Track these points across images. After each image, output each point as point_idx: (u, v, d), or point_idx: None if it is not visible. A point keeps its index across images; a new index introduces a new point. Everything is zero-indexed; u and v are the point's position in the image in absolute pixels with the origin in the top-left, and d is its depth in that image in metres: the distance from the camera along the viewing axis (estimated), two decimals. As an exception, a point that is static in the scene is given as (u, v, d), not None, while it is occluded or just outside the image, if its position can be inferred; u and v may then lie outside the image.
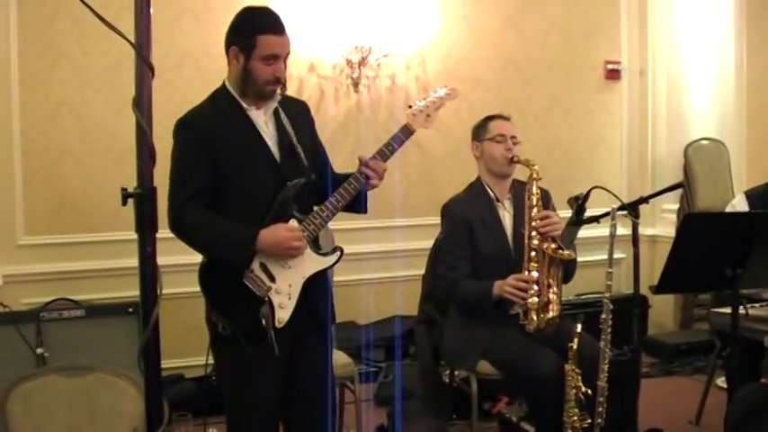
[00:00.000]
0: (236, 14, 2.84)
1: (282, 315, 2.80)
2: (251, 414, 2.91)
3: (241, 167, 2.82)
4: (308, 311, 2.88)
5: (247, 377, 2.87)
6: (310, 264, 2.85)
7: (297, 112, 2.99)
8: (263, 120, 2.87)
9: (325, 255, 2.88)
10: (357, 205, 2.96)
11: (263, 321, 2.75)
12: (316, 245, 2.88)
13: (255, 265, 2.80)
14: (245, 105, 2.85)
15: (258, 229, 2.76)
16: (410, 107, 3.05)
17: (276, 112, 2.90)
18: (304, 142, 2.91)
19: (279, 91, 2.93)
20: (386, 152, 2.92)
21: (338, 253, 2.89)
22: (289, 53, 2.84)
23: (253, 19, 2.81)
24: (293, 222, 2.81)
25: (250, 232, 2.76)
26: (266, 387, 2.88)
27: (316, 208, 2.88)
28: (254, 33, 2.75)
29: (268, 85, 2.80)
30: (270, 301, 2.79)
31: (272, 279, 2.81)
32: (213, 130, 2.81)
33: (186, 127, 2.82)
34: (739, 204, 4.12)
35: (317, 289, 2.90)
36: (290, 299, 2.82)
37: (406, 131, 2.99)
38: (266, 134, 2.87)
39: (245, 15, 2.83)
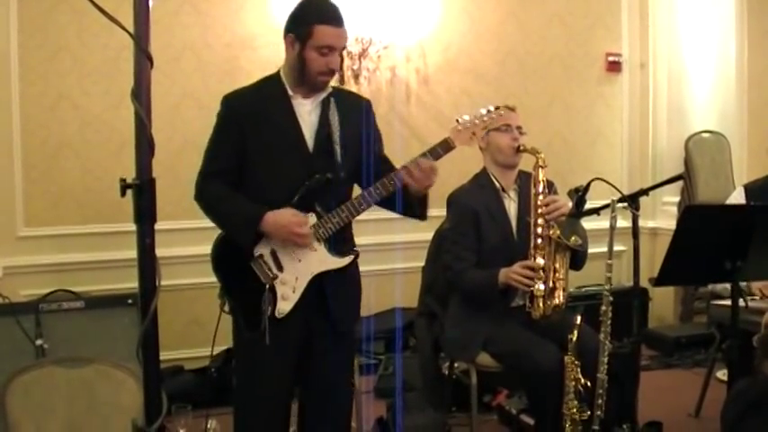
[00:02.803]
0: (298, 2, 2.83)
1: (284, 307, 2.80)
2: (255, 403, 2.92)
3: (270, 153, 2.82)
4: (323, 314, 2.87)
5: (254, 366, 2.90)
6: (321, 261, 2.83)
7: (353, 109, 2.92)
8: (306, 109, 2.86)
9: (338, 255, 2.85)
10: (410, 211, 2.92)
11: (263, 308, 2.76)
12: (331, 243, 2.84)
13: (266, 252, 2.82)
14: (290, 93, 2.85)
15: (266, 210, 2.76)
16: (457, 121, 2.90)
17: (326, 104, 2.87)
18: (348, 139, 2.86)
19: (336, 85, 2.94)
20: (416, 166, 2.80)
21: (351, 256, 2.87)
22: (345, 46, 2.84)
23: (311, 8, 2.79)
24: (312, 217, 2.79)
25: (258, 211, 2.77)
26: (270, 379, 2.88)
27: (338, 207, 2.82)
28: (310, 23, 2.74)
29: (321, 75, 2.79)
30: (274, 289, 2.80)
31: (280, 269, 2.81)
32: (249, 112, 2.83)
33: (225, 104, 2.90)
34: (738, 197, 4.12)
35: (334, 292, 2.87)
36: (294, 292, 2.81)
37: (446, 146, 2.86)
38: (305, 124, 2.85)
39: (305, 4, 2.81)
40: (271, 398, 2.90)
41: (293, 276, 2.81)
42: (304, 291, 2.82)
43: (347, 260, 2.86)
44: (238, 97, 2.90)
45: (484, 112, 2.93)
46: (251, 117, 2.83)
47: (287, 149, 2.83)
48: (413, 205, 2.90)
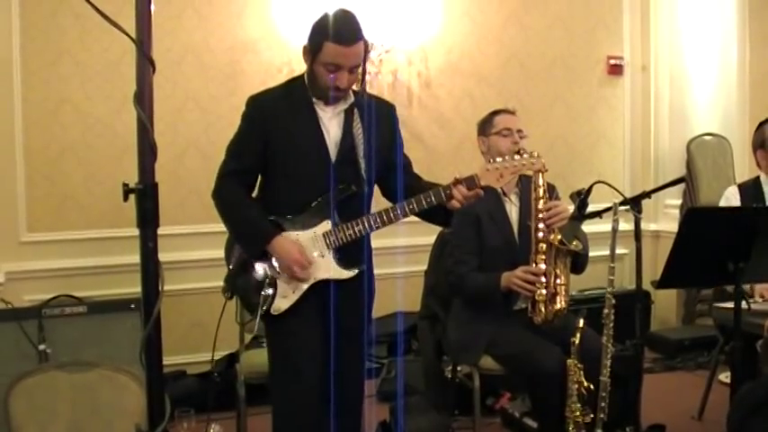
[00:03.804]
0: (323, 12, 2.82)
1: (281, 304, 2.83)
2: (290, 396, 2.93)
3: (292, 157, 2.83)
4: (327, 319, 2.88)
5: (287, 359, 2.91)
6: (326, 269, 2.84)
7: (376, 115, 2.91)
8: (327, 116, 2.86)
9: (345, 267, 2.86)
10: (438, 219, 2.97)
11: (261, 300, 2.80)
12: (340, 254, 2.85)
13: None
14: (314, 99, 2.85)
15: (276, 233, 2.79)
16: (489, 161, 2.87)
17: (349, 114, 2.87)
18: (371, 150, 2.86)
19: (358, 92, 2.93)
20: (442, 195, 2.80)
21: (356, 271, 2.88)
22: (357, 65, 2.80)
23: (326, 23, 2.77)
24: (326, 224, 2.81)
25: (269, 232, 2.79)
26: (299, 373, 2.89)
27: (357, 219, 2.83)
28: (321, 38, 2.74)
29: (328, 90, 2.78)
30: (276, 286, 2.83)
31: None
32: (274, 114, 2.84)
33: (251, 104, 2.89)
34: (732, 196, 4.14)
35: (338, 298, 2.87)
36: (293, 292, 2.84)
37: (471, 183, 2.81)
38: (328, 133, 2.85)
39: (324, 17, 2.79)
40: (302, 389, 2.89)
41: None
42: (304, 293, 2.84)
43: (350, 274, 2.87)
44: (264, 99, 2.90)
45: (517, 157, 2.91)
46: (276, 119, 2.83)
47: (308, 156, 2.83)
48: (439, 215, 2.92)
